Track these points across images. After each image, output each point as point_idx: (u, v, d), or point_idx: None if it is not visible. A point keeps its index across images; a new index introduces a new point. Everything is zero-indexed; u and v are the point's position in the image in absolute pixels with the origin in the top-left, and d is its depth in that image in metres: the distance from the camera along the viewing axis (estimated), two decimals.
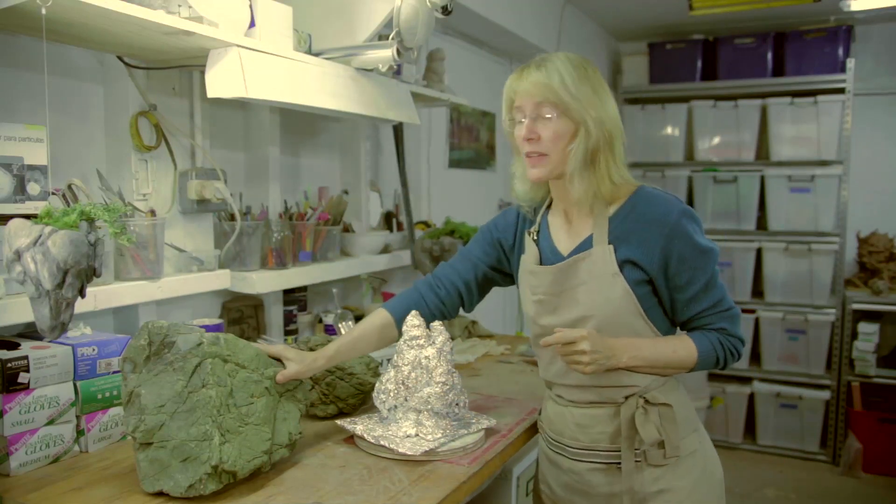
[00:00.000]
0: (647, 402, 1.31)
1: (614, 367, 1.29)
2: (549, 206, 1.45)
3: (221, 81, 1.47)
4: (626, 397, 1.33)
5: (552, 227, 1.42)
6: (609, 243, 1.31)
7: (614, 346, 1.28)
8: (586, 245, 1.34)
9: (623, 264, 1.30)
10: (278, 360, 1.36)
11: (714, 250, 1.31)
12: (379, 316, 1.49)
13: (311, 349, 1.55)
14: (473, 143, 3.45)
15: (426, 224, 2.69)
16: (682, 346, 1.33)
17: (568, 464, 1.39)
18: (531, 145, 1.31)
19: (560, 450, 1.40)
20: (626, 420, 1.31)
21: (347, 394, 1.55)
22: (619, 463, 1.33)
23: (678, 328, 1.40)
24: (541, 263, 1.40)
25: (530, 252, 1.42)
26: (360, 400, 1.57)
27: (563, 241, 1.38)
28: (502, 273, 1.55)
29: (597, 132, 1.28)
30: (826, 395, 3.97)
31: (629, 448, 1.31)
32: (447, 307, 1.53)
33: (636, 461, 1.32)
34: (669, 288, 1.32)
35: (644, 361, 1.30)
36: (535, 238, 1.42)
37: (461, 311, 1.58)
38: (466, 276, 1.52)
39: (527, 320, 1.46)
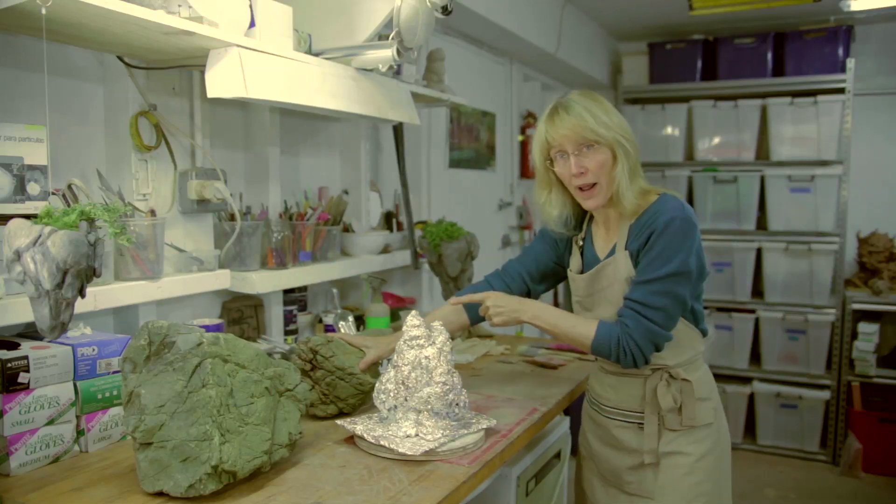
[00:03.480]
0: (671, 376, 1.50)
1: (519, 320, 1.53)
2: (591, 216, 1.63)
3: (221, 81, 1.47)
4: (654, 370, 1.51)
5: (595, 235, 1.61)
6: (625, 248, 1.49)
7: (521, 305, 1.54)
8: (613, 252, 1.53)
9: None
10: (359, 348, 1.58)
11: (678, 270, 1.41)
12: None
13: (312, 349, 1.55)
14: (473, 143, 3.45)
15: (426, 224, 2.69)
16: (584, 326, 1.49)
17: (601, 419, 1.61)
18: (581, 179, 1.47)
19: (597, 407, 1.64)
20: (650, 389, 1.51)
21: (347, 394, 1.55)
22: (642, 423, 1.52)
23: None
24: (583, 269, 1.60)
25: (574, 258, 1.64)
26: (360, 400, 1.57)
27: (601, 248, 1.58)
28: (563, 267, 1.71)
29: (631, 149, 1.46)
30: (826, 395, 3.97)
31: (652, 412, 1.51)
32: (514, 292, 1.70)
33: (658, 424, 1.51)
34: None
35: (544, 323, 1.51)
36: (581, 244, 1.63)
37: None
38: (529, 266, 1.73)
39: None
